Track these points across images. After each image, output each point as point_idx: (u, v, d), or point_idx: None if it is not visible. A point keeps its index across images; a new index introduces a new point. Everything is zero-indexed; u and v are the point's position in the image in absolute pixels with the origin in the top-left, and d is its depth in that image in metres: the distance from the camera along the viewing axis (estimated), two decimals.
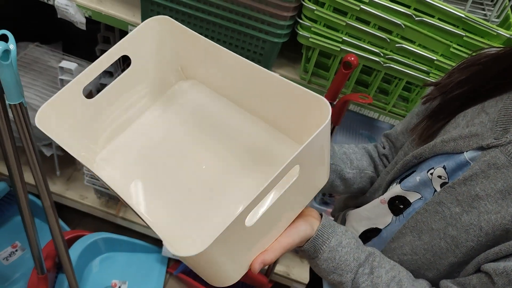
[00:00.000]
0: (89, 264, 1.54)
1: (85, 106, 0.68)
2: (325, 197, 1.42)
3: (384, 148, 0.84)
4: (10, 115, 0.90)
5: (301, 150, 0.50)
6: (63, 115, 0.66)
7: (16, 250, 1.55)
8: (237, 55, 0.64)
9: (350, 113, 1.49)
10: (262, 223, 0.53)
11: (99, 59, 0.67)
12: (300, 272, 1.57)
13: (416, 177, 0.67)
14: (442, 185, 0.64)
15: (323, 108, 0.55)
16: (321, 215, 0.63)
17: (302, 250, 0.62)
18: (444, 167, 0.63)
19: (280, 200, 0.53)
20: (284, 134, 0.68)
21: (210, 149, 0.71)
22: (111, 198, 1.58)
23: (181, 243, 0.61)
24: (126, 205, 0.64)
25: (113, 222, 1.62)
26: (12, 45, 0.80)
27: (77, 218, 1.69)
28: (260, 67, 0.62)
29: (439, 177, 0.64)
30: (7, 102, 0.85)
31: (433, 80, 0.98)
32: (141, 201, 0.67)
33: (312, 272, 1.07)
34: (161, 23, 0.70)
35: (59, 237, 1.10)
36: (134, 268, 1.58)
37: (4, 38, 0.81)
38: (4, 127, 0.91)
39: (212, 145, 0.71)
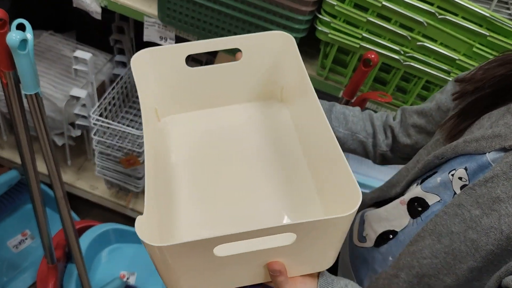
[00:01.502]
0: (98, 255, 1.54)
1: (179, 71, 0.72)
2: None
3: (394, 119, 0.83)
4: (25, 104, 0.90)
5: (302, 223, 0.48)
6: (156, 67, 0.70)
7: (26, 239, 1.55)
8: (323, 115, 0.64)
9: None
10: (235, 261, 0.52)
11: (216, 39, 0.69)
12: None
13: (437, 178, 0.65)
14: (462, 187, 0.62)
15: (354, 198, 0.52)
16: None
17: None
18: (465, 169, 0.62)
19: (261, 253, 0.52)
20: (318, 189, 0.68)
21: (260, 172, 0.71)
22: (121, 189, 1.58)
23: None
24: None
25: (123, 213, 1.62)
26: (29, 35, 0.80)
27: (87, 208, 1.69)
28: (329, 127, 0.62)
29: (460, 178, 0.62)
30: (23, 92, 0.85)
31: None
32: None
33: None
34: (283, 38, 0.72)
35: (71, 228, 1.10)
36: (143, 260, 1.58)
37: (21, 27, 0.80)
38: (19, 117, 0.90)
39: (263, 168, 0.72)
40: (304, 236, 0.50)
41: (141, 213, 1.58)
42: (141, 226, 0.49)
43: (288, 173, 0.70)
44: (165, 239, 0.61)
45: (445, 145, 0.67)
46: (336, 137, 0.76)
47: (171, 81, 0.73)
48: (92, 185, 1.58)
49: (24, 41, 0.77)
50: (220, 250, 0.49)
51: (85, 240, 1.46)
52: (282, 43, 0.72)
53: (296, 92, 0.74)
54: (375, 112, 0.86)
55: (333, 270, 0.87)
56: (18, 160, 1.55)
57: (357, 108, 0.85)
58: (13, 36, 0.75)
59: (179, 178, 0.69)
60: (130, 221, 1.62)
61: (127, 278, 1.52)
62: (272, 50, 0.73)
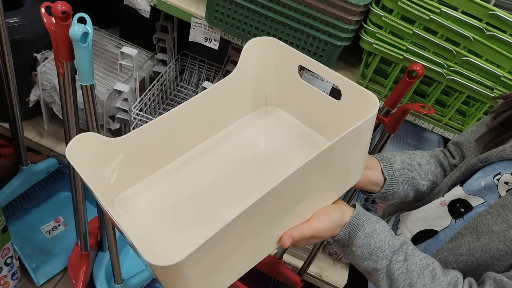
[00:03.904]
0: (127, 245, 1.58)
1: (291, 74, 0.74)
2: (367, 203, 1.41)
3: (454, 158, 0.83)
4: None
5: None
6: (274, 56, 0.74)
7: (59, 225, 1.60)
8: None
9: None
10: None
11: (328, 70, 0.69)
12: (332, 275, 1.57)
13: (481, 182, 0.67)
14: (507, 191, 0.64)
15: None
16: (354, 204, 0.65)
17: (336, 240, 0.64)
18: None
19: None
20: None
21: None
22: None
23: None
24: None
25: None
26: (89, 28, 0.83)
27: None
28: None
29: (506, 183, 0.64)
30: (79, 83, 0.88)
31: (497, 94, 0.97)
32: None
33: (351, 275, 1.07)
34: (371, 101, 0.68)
35: None
36: None
37: (82, 21, 0.84)
38: (72, 106, 0.94)
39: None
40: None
41: None
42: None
43: None
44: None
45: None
46: (419, 191, 0.79)
47: (284, 77, 0.75)
48: None
49: (85, 34, 0.81)
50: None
51: (116, 230, 1.50)
52: (367, 104, 0.69)
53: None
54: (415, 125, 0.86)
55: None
56: (56, 148, 1.61)
57: (424, 154, 0.83)
58: (76, 29, 0.79)
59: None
60: None
61: None
62: (359, 107, 0.71)
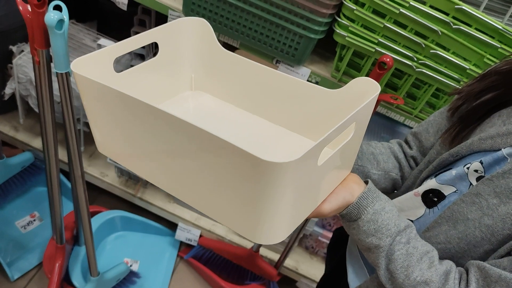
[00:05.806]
0: (103, 240, 1.57)
1: (112, 77, 0.76)
2: None
3: (411, 149, 0.85)
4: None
5: (361, 108, 0.57)
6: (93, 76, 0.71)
7: (34, 220, 1.58)
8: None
9: (373, 116, 1.52)
10: (324, 169, 0.56)
11: (131, 38, 0.72)
12: (308, 268, 1.59)
13: (452, 171, 0.69)
14: (478, 179, 0.66)
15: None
16: (367, 181, 0.68)
17: (344, 214, 0.67)
18: (481, 162, 0.66)
19: (334, 157, 0.58)
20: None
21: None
22: (131, 178, 1.62)
23: None
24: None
25: (130, 201, 1.65)
26: (65, 16, 0.84)
27: (95, 195, 1.72)
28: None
29: (476, 171, 0.67)
30: (54, 70, 0.89)
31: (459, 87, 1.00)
32: None
33: (328, 266, 1.09)
34: (195, 24, 0.77)
35: (84, 207, 1.13)
36: (147, 249, 1.62)
37: (58, 9, 0.85)
38: (47, 95, 0.94)
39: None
40: (359, 122, 0.59)
41: (148, 203, 1.62)
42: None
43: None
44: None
45: (454, 146, 0.71)
46: (371, 179, 0.81)
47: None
48: (103, 172, 1.62)
49: (61, 21, 0.81)
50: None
51: (93, 224, 1.49)
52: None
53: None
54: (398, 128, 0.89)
55: (342, 259, 0.90)
56: (32, 143, 1.59)
57: (379, 144, 0.86)
58: (52, 16, 0.80)
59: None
60: (137, 210, 1.65)
61: (130, 265, 1.55)
62: (186, 37, 0.79)
